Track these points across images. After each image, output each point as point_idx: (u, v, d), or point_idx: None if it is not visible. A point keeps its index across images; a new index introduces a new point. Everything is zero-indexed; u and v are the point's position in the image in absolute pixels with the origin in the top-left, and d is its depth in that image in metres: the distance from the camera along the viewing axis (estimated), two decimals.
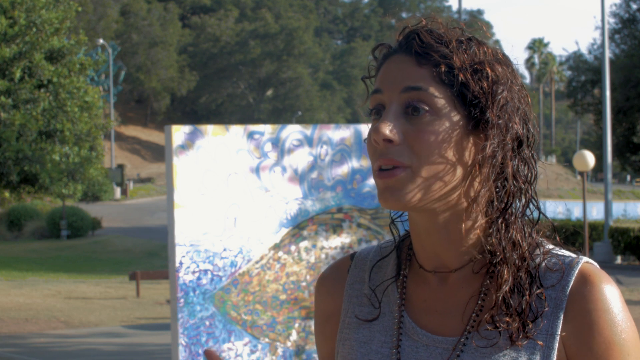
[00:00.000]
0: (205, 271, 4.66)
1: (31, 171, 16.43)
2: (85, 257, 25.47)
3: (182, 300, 4.59)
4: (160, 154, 62.62)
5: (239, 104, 72.11)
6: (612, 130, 25.47)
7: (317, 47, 75.48)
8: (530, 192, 1.32)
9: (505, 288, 1.28)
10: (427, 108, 1.27)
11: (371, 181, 5.04)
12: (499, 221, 1.30)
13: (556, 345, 1.27)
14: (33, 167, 16.30)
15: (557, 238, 1.36)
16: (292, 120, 67.08)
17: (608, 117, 23.21)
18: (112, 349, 11.41)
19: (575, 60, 32.16)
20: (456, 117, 1.28)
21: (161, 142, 63.83)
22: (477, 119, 1.28)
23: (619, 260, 23.10)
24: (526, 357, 1.27)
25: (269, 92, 72.35)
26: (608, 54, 23.89)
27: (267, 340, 4.80)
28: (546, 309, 1.28)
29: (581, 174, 17.76)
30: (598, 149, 27.04)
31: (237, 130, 4.78)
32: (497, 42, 1.43)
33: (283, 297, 4.84)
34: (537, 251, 1.32)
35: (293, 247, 4.88)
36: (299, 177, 4.89)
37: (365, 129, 5.10)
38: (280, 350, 4.82)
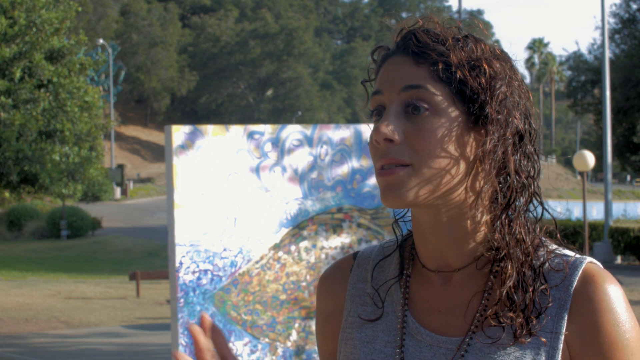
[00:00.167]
0: (205, 271, 4.66)
1: (31, 171, 16.43)
2: (85, 257, 25.48)
3: (182, 300, 4.59)
4: (160, 154, 62.62)
5: (239, 104, 72.11)
6: (612, 130, 25.47)
7: (317, 47, 75.49)
8: (533, 188, 1.32)
9: (510, 283, 1.28)
10: (426, 106, 1.28)
11: (371, 181, 5.04)
12: (503, 217, 1.30)
13: (561, 345, 1.27)
14: (33, 167, 16.31)
15: (559, 236, 1.36)
16: (292, 120, 67.08)
17: (608, 117, 23.21)
18: (112, 349, 11.41)
19: (575, 60, 32.18)
20: (455, 114, 1.28)
21: (161, 142, 63.84)
22: (477, 115, 1.29)
23: (619, 260, 23.11)
24: (531, 357, 1.27)
25: (269, 92, 72.35)
26: (608, 54, 23.90)
27: (267, 340, 4.80)
28: (550, 304, 1.28)
29: (581, 174, 17.77)
30: (598, 149, 27.05)
31: (237, 130, 4.78)
32: (497, 42, 1.43)
33: (283, 297, 4.84)
34: (541, 251, 1.32)
35: (293, 247, 4.88)
36: (299, 177, 4.89)
37: (365, 129, 5.11)
38: (280, 350, 4.82)
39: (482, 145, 1.28)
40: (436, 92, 1.28)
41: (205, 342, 1.27)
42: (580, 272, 1.29)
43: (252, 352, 4.76)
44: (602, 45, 23.68)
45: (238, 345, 4.73)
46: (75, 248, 27.28)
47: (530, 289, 1.29)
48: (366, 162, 5.03)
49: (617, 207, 34.12)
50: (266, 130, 4.85)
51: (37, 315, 14.17)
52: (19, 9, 16.81)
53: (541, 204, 1.34)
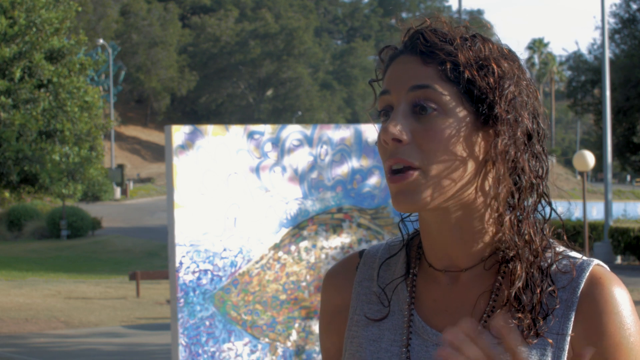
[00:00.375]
0: (205, 271, 4.66)
1: (31, 171, 16.43)
2: (85, 257, 25.47)
3: (182, 300, 4.59)
4: (160, 154, 62.61)
5: (239, 104, 72.10)
6: (612, 130, 25.46)
7: (317, 47, 75.48)
8: (541, 188, 1.32)
9: (519, 284, 1.28)
10: (434, 106, 1.27)
11: (371, 181, 5.04)
12: (512, 217, 1.30)
13: (567, 347, 1.28)
14: (33, 167, 16.31)
15: (565, 237, 1.36)
16: (292, 120, 67.08)
17: (608, 117, 23.21)
18: (112, 349, 11.41)
19: (575, 60, 32.18)
20: (464, 114, 1.28)
21: (161, 142, 63.83)
22: (486, 115, 1.28)
23: (619, 260, 23.10)
24: (537, 357, 1.27)
25: (269, 92, 72.35)
26: (608, 54, 23.89)
27: (267, 340, 4.80)
28: (557, 306, 1.28)
29: (581, 174, 17.77)
30: (598, 149, 27.03)
31: (237, 130, 4.78)
32: (498, 41, 1.42)
33: (283, 297, 4.84)
34: (549, 252, 1.32)
35: (293, 247, 4.88)
36: (299, 177, 4.89)
37: (365, 129, 5.11)
38: (280, 350, 4.82)
39: (494, 145, 1.28)
40: (444, 92, 1.27)
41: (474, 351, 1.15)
42: (588, 274, 1.29)
43: (252, 352, 4.76)
44: (602, 45, 23.68)
45: (238, 345, 4.73)
46: (75, 248, 27.28)
47: (538, 290, 1.29)
48: (366, 162, 5.03)
49: (617, 207, 34.11)
50: (266, 130, 4.85)
51: (37, 315, 14.17)
52: (19, 9, 16.82)
53: (549, 204, 1.34)
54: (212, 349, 4.66)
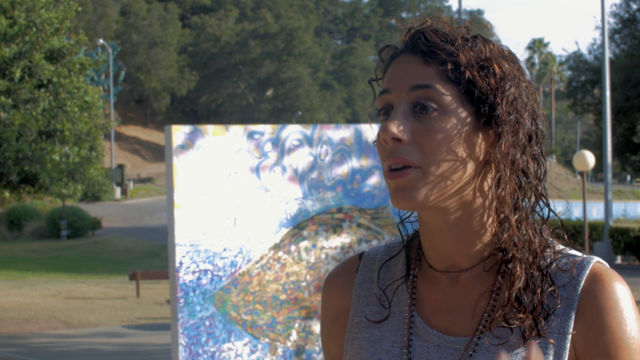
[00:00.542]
0: (205, 271, 4.66)
1: (31, 171, 16.43)
2: (85, 257, 25.47)
3: (182, 300, 4.59)
4: (160, 154, 62.61)
5: (239, 104, 72.10)
6: (612, 130, 25.46)
7: (317, 47, 75.47)
8: (540, 189, 1.32)
9: (519, 285, 1.28)
10: (435, 106, 1.27)
11: (371, 181, 5.04)
12: (511, 218, 1.30)
13: (568, 345, 1.28)
14: (33, 167, 16.31)
15: (565, 236, 1.36)
16: (292, 120, 67.07)
17: (608, 117, 23.21)
18: (112, 349, 11.41)
19: (575, 60, 32.18)
20: (464, 114, 1.28)
21: (161, 142, 63.83)
22: (487, 116, 1.28)
23: (619, 260, 23.10)
24: None
25: (269, 92, 72.35)
26: (608, 54, 23.89)
27: (267, 340, 4.80)
28: (558, 306, 1.28)
29: (581, 174, 17.77)
30: (598, 149, 27.04)
31: (237, 130, 4.78)
32: (498, 42, 1.43)
33: (283, 297, 4.84)
34: (548, 251, 1.32)
35: (293, 247, 4.88)
36: (299, 177, 4.89)
37: (365, 129, 5.11)
38: (280, 350, 4.82)
39: (498, 147, 1.28)
40: (445, 92, 1.27)
41: None
42: (588, 271, 1.29)
43: (252, 352, 4.76)
44: (602, 45, 23.68)
45: (238, 345, 4.73)
46: (75, 248, 27.28)
47: (539, 290, 1.29)
48: (366, 162, 5.03)
49: (617, 207, 34.11)
50: (266, 130, 4.85)
51: (37, 315, 14.17)
52: (19, 9, 16.81)
53: (547, 205, 1.34)
54: (212, 349, 4.66)
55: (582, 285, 1.29)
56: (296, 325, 4.86)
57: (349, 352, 1.40)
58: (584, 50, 59.81)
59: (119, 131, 65.30)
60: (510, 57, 1.33)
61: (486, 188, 1.30)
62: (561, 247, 1.34)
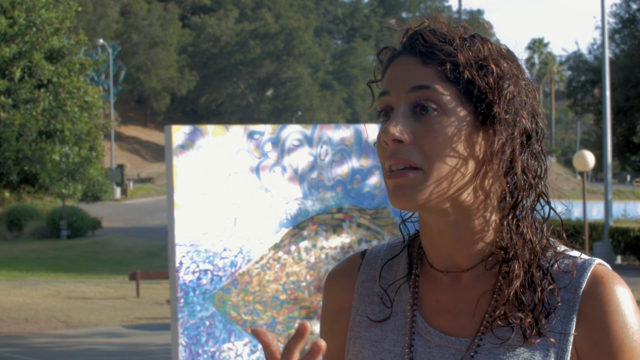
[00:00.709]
0: (205, 271, 4.66)
1: (31, 171, 16.43)
2: (85, 257, 25.47)
3: (182, 300, 4.59)
4: (160, 154, 62.61)
5: (239, 104, 72.10)
6: (612, 130, 25.46)
7: (317, 47, 75.46)
8: (540, 187, 1.32)
9: (517, 284, 1.28)
10: (434, 106, 1.27)
11: (371, 181, 5.04)
12: (510, 217, 1.30)
13: (569, 347, 1.28)
14: (33, 167, 16.30)
15: (565, 236, 1.36)
16: (292, 120, 67.07)
17: (608, 117, 23.20)
18: (112, 349, 11.41)
19: (575, 60, 32.19)
20: (464, 114, 1.28)
21: (161, 142, 63.83)
22: (485, 115, 1.28)
23: (619, 260, 23.10)
24: (540, 357, 1.27)
25: (269, 92, 72.34)
26: (608, 54, 23.89)
27: None
28: (559, 304, 1.28)
29: (581, 174, 17.77)
30: (598, 149, 27.04)
31: (237, 130, 4.78)
32: (497, 41, 1.43)
33: (283, 297, 4.84)
34: (549, 252, 1.32)
35: (293, 247, 4.88)
36: (299, 177, 4.89)
37: (365, 129, 5.10)
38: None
39: (490, 145, 1.28)
40: (444, 92, 1.28)
41: (275, 346, 1.17)
42: (589, 273, 1.29)
43: (252, 352, 4.76)
44: (602, 45, 23.67)
45: (238, 345, 4.73)
46: (75, 248, 27.28)
47: (539, 289, 1.29)
48: (366, 162, 5.03)
49: (617, 207, 34.11)
50: (266, 130, 4.85)
51: (37, 315, 14.17)
52: (19, 9, 16.81)
53: (548, 203, 1.34)
54: (212, 349, 4.67)
55: (583, 287, 1.29)
56: (296, 325, 4.86)
57: (351, 351, 1.40)
58: (584, 50, 59.80)
59: (119, 131, 65.30)
60: (509, 56, 1.33)
61: (486, 187, 1.30)
62: (563, 247, 1.34)
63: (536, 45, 78.23)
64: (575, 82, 31.15)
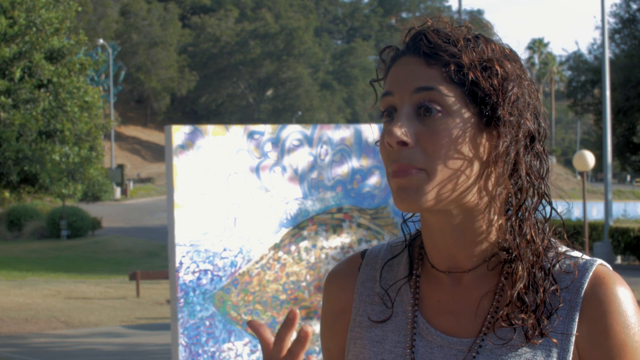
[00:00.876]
0: (205, 271, 4.66)
1: (31, 171, 16.43)
2: (85, 257, 25.47)
3: (182, 300, 4.59)
4: (160, 154, 62.61)
5: (239, 104, 72.10)
6: (612, 130, 25.46)
7: (317, 47, 75.46)
8: (542, 188, 1.32)
9: (520, 285, 1.28)
10: (439, 108, 1.27)
11: (371, 181, 5.04)
12: (513, 218, 1.30)
13: (571, 347, 1.28)
14: (33, 167, 16.30)
15: (565, 237, 1.36)
16: (292, 120, 67.07)
17: (608, 117, 23.20)
18: (112, 349, 11.41)
19: (575, 60, 32.19)
20: (468, 115, 1.27)
21: (161, 142, 63.83)
22: (489, 117, 1.28)
23: (619, 260, 23.10)
24: (542, 358, 1.27)
25: (269, 92, 72.34)
26: (608, 54, 23.88)
27: None
28: (560, 305, 1.28)
29: (581, 174, 17.77)
30: (598, 149, 27.04)
31: (237, 130, 4.78)
32: (499, 41, 1.42)
33: (283, 297, 4.84)
34: (551, 252, 1.32)
35: (293, 247, 4.88)
36: (299, 177, 4.89)
37: (365, 129, 5.10)
38: None
39: (495, 147, 1.28)
40: (448, 94, 1.27)
41: (270, 336, 1.24)
42: (591, 274, 1.29)
43: (252, 352, 4.76)
44: (602, 45, 23.67)
45: (238, 345, 4.73)
46: (75, 248, 27.28)
47: (541, 290, 1.29)
48: (366, 162, 5.03)
49: (617, 207, 34.11)
50: (266, 130, 4.85)
51: (37, 315, 14.17)
52: (19, 9, 16.81)
53: (550, 204, 1.34)
54: (212, 349, 4.67)
55: (585, 288, 1.29)
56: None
57: (351, 351, 1.40)
58: (584, 50, 59.82)
59: (119, 131, 65.30)
60: (512, 56, 1.33)
61: (490, 188, 1.30)
62: (564, 248, 1.34)
63: (536, 45, 78.23)
64: (575, 82, 31.15)
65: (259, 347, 4.78)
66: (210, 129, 4.72)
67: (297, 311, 1.18)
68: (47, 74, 16.77)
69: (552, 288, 1.29)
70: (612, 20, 29.52)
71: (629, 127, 27.84)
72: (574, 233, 1.43)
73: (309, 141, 4.93)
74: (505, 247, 1.30)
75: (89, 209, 34.11)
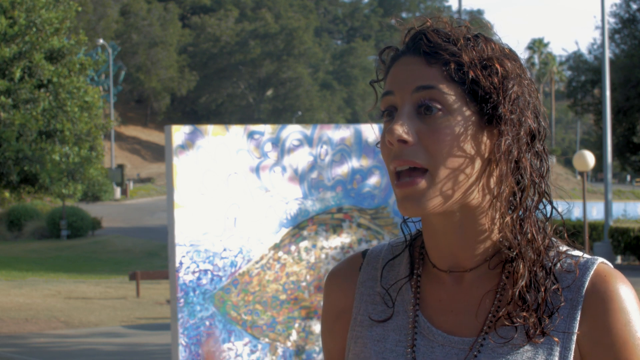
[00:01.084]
0: (205, 271, 4.66)
1: (31, 171, 16.43)
2: (85, 257, 25.47)
3: (182, 300, 4.59)
4: (160, 154, 62.62)
5: (239, 104, 72.10)
6: (612, 130, 25.46)
7: (317, 47, 75.47)
8: (543, 186, 1.32)
9: (522, 283, 1.29)
10: (439, 106, 1.27)
11: (371, 181, 5.04)
12: (514, 216, 1.30)
13: (573, 346, 1.28)
14: (33, 167, 16.30)
15: (566, 236, 1.36)
16: (292, 120, 67.08)
17: (608, 117, 23.20)
18: (112, 349, 11.41)
19: (575, 60, 32.20)
20: (468, 114, 1.28)
21: (161, 142, 63.83)
22: (490, 115, 1.28)
23: (619, 260, 23.10)
24: (544, 357, 1.28)
25: (269, 92, 72.35)
26: (608, 54, 23.89)
27: (267, 340, 4.80)
28: (562, 303, 1.29)
29: (581, 174, 17.77)
30: (598, 149, 27.04)
31: (237, 130, 4.78)
32: (499, 41, 1.43)
33: (283, 297, 4.84)
34: (552, 252, 1.33)
35: (293, 247, 4.88)
36: (299, 177, 4.89)
37: (365, 128, 5.11)
38: (280, 350, 4.82)
39: (497, 146, 1.28)
40: (449, 93, 1.28)
41: None
42: (592, 272, 1.30)
43: (252, 352, 4.76)
44: (602, 45, 23.67)
45: (238, 345, 4.73)
46: (75, 248, 27.28)
47: (543, 289, 1.29)
48: (366, 162, 5.03)
49: (617, 207, 34.10)
50: (266, 130, 4.85)
51: (37, 315, 14.17)
52: (19, 9, 16.81)
53: (550, 202, 1.34)
54: (212, 349, 4.67)
55: (586, 286, 1.29)
56: (296, 325, 4.86)
57: (352, 351, 1.40)
58: (584, 50, 59.83)
59: (119, 131, 65.30)
60: (512, 55, 1.33)
61: (492, 186, 1.31)
62: (565, 247, 1.34)
63: (536, 45, 78.25)
64: (575, 82, 31.16)
65: (259, 347, 4.78)
66: (210, 129, 4.72)
67: None
68: (47, 74, 16.77)
69: (553, 287, 1.29)
70: (612, 20, 29.54)
71: (629, 127, 27.85)
72: (574, 233, 1.43)
73: (309, 141, 4.93)
74: (506, 245, 1.31)
75: (89, 209, 34.11)
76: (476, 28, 1.35)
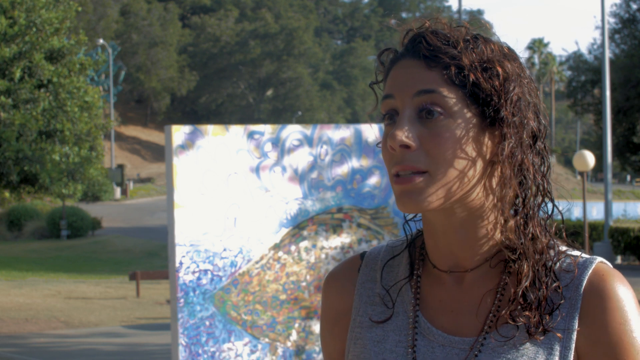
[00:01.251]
0: (205, 271, 4.66)
1: (31, 171, 16.43)
2: (85, 257, 25.47)
3: (182, 300, 4.59)
4: (160, 154, 62.61)
5: (239, 104, 72.10)
6: (612, 130, 25.46)
7: (317, 47, 75.46)
8: (545, 186, 1.33)
9: (526, 283, 1.29)
10: (440, 110, 1.27)
11: (371, 181, 5.04)
12: (519, 217, 1.31)
13: (573, 345, 1.28)
14: (33, 167, 16.30)
15: (564, 235, 1.36)
16: (292, 120, 67.07)
17: (608, 117, 23.20)
18: (112, 349, 11.41)
19: (575, 60, 32.20)
20: (469, 116, 1.28)
21: (161, 142, 63.83)
22: (492, 118, 1.28)
23: (619, 260, 23.10)
24: (544, 356, 1.28)
25: (269, 92, 72.34)
26: (608, 54, 23.88)
27: (267, 340, 4.80)
28: (562, 301, 1.29)
29: (581, 174, 17.77)
30: (598, 149, 27.04)
31: (237, 130, 4.78)
32: (498, 40, 1.43)
33: (283, 297, 4.84)
34: (552, 251, 1.33)
35: (293, 247, 4.88)
36: (299, 177, 4.89)
37: (365, 129, 5.10)
38: (280, 350, 4.82)
39: (501, 149, 1.28)
40: (450, 96, 1.27)
41: None
42: (590, 271, 1.30)
43: (252, 352, 4.76)
44: (602, 45, 23.67)
45: (238, 345, 4.73)
46: (75, 248, 27.27)
47: (544, 287, 1.29)
48: (366, 162, 5.03)
49: (617, 207, 34.10)
50: (266, 130, 4.85)
51: (37, 315, 14.17)
52: (19, 9, 16.81)
53: (552, 201, 1.35)
54: (212, 349, 4.66)
55: (584, 285, 1.29)
56: (296, 325, 4.86)
57: (352, 352, 1.40)
58: (584, 50, 59.84)
59: (119, 131, 65.30)
60: (511, 55, 1.33)
61: (494, 187, 1.31)
62: (564, 247, 1.35)
63: (536, 45, 78.23)
64: (575, 82, 31.16)
65: (259, 347, 4.78)
66: (210, 129, 4.72)
67: None
68: (47, 74, 16.77)
69: (553, 285, 1.30)
70: (612, 20, 29.54)
71: (629, 127, 27.85)
72: (574, 233, 1.43)
73: (309, 141, 4.93)
74: (509, 245, 1.31)
75: (89, 209, 34.11)
76: (475, 28, 1.34)
